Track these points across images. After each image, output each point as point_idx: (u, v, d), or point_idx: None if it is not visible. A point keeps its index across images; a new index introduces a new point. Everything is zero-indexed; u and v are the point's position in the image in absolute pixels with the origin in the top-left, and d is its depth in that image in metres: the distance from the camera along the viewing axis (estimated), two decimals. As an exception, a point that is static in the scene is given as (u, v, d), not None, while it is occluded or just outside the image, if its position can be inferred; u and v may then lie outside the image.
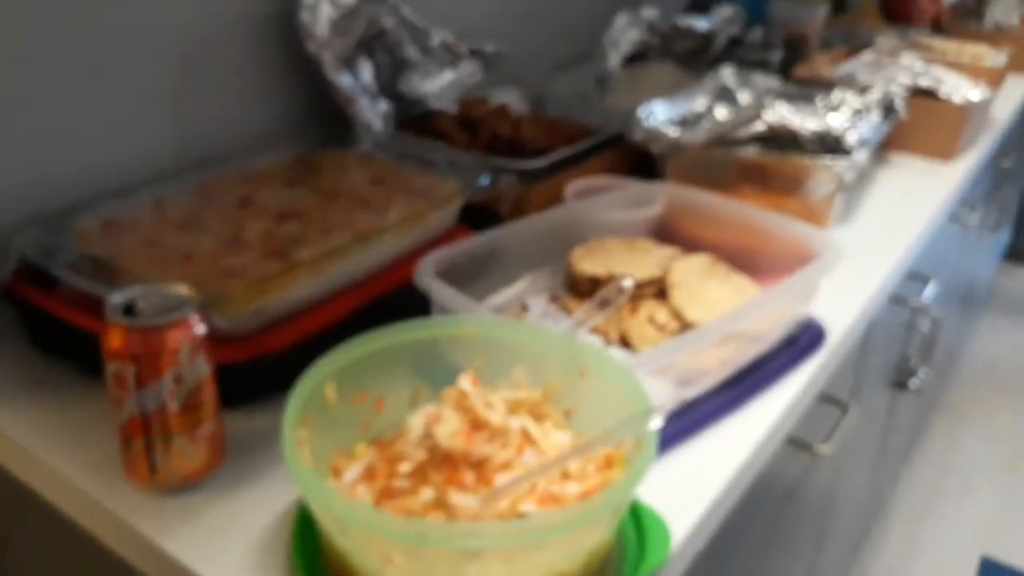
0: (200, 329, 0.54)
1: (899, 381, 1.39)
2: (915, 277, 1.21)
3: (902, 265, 0.98)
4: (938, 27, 1.87)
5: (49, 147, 0.78)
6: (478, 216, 0.87)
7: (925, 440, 2.11)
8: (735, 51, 1.39)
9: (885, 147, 1.23)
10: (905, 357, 1.39)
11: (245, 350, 0.65)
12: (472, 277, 0.77)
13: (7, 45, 0.73)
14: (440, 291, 0.64)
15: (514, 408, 0.55)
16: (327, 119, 1.00)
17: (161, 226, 0.75)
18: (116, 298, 0.53)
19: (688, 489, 0.59)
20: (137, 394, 0.52)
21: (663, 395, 0.63)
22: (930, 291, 1.28)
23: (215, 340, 0.58)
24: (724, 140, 0.98)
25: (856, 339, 0.89)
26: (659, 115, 1.02)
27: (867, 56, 1.39)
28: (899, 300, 1.17)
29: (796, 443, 0.83)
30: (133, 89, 0.84)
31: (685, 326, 0.71)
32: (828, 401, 0.91)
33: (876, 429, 1.42)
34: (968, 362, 2.43)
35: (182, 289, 0.55)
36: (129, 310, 0.53)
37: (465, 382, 0.54)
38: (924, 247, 1.09)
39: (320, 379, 0.51)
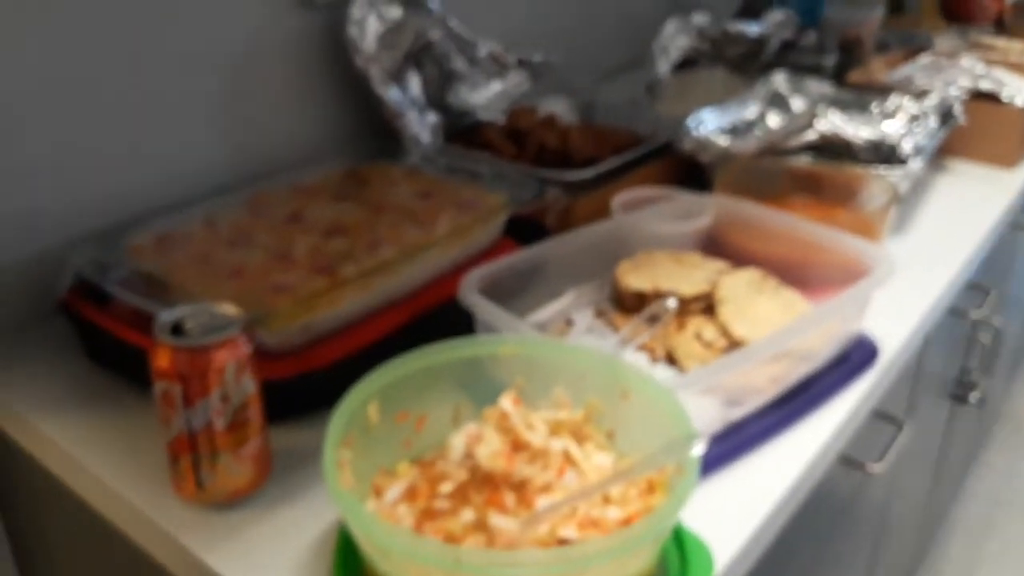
0: (246, 348, 0.55)
1: (959, 395, 1.34)
2: (976, 288, 1.17)
3: (960, 277, 0.95)
4: (1001, 26, 1.81)
5: (106, 165, 0.81)
6: (524, 228, 0.87)
7: (987, 453, 2.04)
8: (788, 56, 1.36)
9: (944, 153, 1.20)
10: (965, 370, 1.34)
11: (292, 366, 0.66)
12: (517, 292, 0.77)
13: (69, 67, 0.76)
14: (483, 308, 0.64)
15: (555, 429, 0.54)
16: (376, 132, 1.01)
17: (212, 241, 0.76)
18: (164, 317, 0.54)
19: (734, 513, 0.58)
20: (184, 413, 0.53)
21: (710, 415, 0.62)
22: (991, 302, 1.24)
23: (262, 356, 0.59)
24: (775, 149, 0.96)
25: (911, 355, 0.86)
26: (709, 124, 1.01)
27: (925, 59, 1.35)
28: (958, 312, 1.13)
29: (848, 462, 0.81)
30: (187, 107, 0.86)
31: (733, 343, 0.69)
32: (882, 418, 0.88)
33: (934, 444, 1.38)
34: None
35: (229, 308, 0.56)
36: (177, 329, 0.54)
37: (506, 402, 0.54)
38: (984, 258, 1.06)
39: (362, 399, 0.51)
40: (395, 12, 0.94)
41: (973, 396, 1.35)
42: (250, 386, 0.55)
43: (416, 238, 0.76)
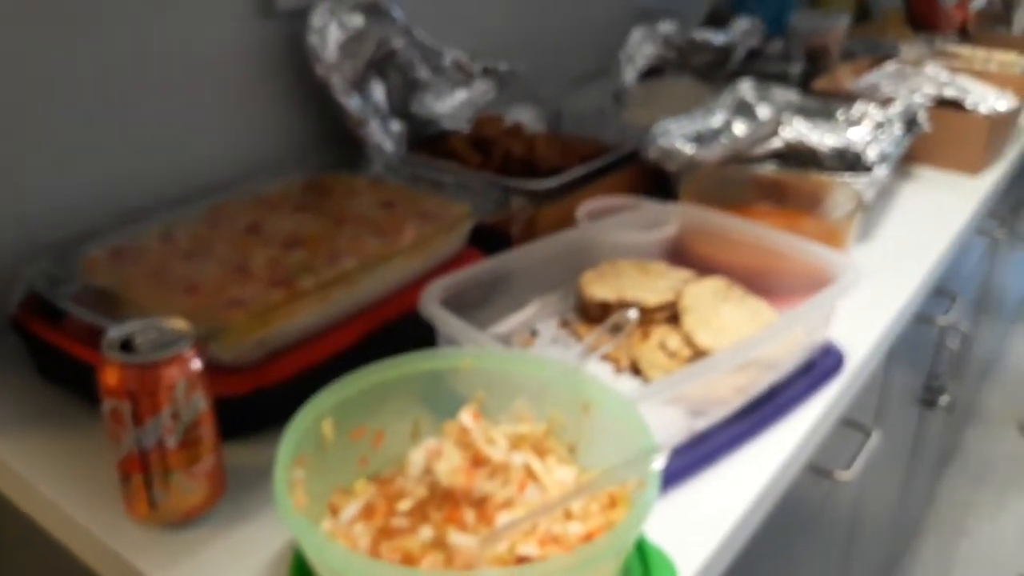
0: (196, 364, 0.53)
1: (928, 399, 1.35)
2: (943, 293, 1.18)
3: (926, 284, 0.95)
4: (965, 34, 1.84)
5: (61, 175, 0.79)
6: (489, 238, 0.86)
7: (958, 456, 2.06)
8: (754, 63, 1.37)
9: (910, 160, 1.21)
10: (934, 375, 1.35)
11: (248, 381, 0.64)
12: (480, 302, 0.76)
13: (14, 75, 0.74)
14: (444, 320, 0.63)
15: (517, 443, 0.53)
16: (340, 141, 0.99)
17: (168, 255, 0.74)
18: (112, 334, 0.52)
19: (699, 525, 0.57)
20: (134, 431, 0.51)
21: (674, 426, 0.61)
22: (958, 308, 1.25)
23: (217, 371, 0.58)
24: (741, 157, 0.96)
25: (878, 362, 0.86)
26: (674, 132, 1.00)
27: (890, 66, 1.36)
28: (926, 318, 1.14)
29: (817, 470, 0.81)
30: (145, 117, 0.84)
31: (698, 353, 0.69)
32: (850, 425, 0.88)
33: (905, 449, 1.38)
34: (1003, 373, 2.37)
35: (179, 323, 0.54)
36: (126, 345, 0.52)
37: (466, 416, 0.53)
38: (949, 264, 1.06)
39: (315, 416, 0.50)
40: (357, 20, 0.93)
41: (942, 401, 1.36)
42: (201, 403, 0.53)
43: (377, 250, 0.75)
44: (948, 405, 1.37)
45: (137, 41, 0.81)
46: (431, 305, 0.64)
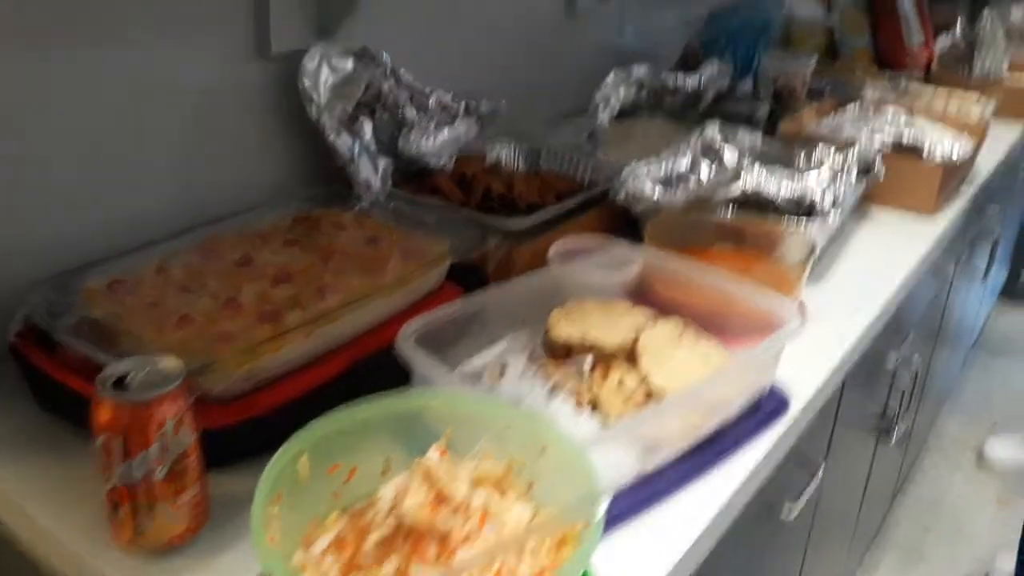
0: (186, 401, 0.58)
1: (882, 432, 1.41)
2: (896, 331, 1.24)
3: (876, 323, 1.01)
4: (930, 74, 1.91)
5: (62, 207, 0.83)
6: (467, 274, 0.91)
7: (914, 484, 2.12)
8: (725, 104, 1.43)
9: (868, 201, 1.27)
10: (888, 408, 1.41)
11: (236, 412, 0.69)
12: (455, 339, 0.81)
13: (23, 106, 0.78)
14: (418, 360, 0.68)
15: (479, 481, 0.58)
16: (330, 177, 1.04)
17: (163, 287, 0.79)
18: (107, 372, 0.57)
19: (647, 562, 0.62)
20: (124, 464, 0.56)
21: (625, 467, 0.66)
22: (911, 343, 1.31)
23: (206, 403, 0.62)
24: (704, 201, 1.02)
25: (827, 400, 0.92)
26: (643, 175, 1.06)
27: (853, 109, 1.43)
28: (878, 355, 1.20)
29: (767, 504, 0.86)
30: (144, 151, 0.88)
31: (652, 394, 0.74)
32: (800, 461, 0.94)
33: (860, 479, 1.44)
34: (960, 401, 2.44)
35: (171, 361, 0.59)
36: (120, 382, 0.57)
37: (433, 454, 0.58)
38: (903, 302, 1.12)
39: (292, 456, 0.55)
40: (347, 64, 0.98)
41: (896, 433, 1.42)
42: (189, 437, 0.58)
43: (360, 286, 0.80)
44: (901, 438, 1.43)
45: (135, 80, 0.86)
46: (406, 345, 0.69)
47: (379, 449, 0.61)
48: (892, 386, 1.38)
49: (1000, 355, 2.68)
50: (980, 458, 2.22)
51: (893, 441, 1.40)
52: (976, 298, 2.22)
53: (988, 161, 1.55)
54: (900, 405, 1.40)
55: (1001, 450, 2.20)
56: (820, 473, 0.94)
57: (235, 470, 0.67)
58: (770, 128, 1.36)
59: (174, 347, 0.68)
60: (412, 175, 1.11)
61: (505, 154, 1.27)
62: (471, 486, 0.57)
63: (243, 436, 0.69)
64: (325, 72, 0.96)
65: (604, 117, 1.18)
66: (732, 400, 0.76)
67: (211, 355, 0.68)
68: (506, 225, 0.97)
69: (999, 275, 2.65)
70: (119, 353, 0.63)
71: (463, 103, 1.13)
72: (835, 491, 1.25)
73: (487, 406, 0.62)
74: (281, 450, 0.55)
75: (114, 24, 0.83)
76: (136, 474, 0.56)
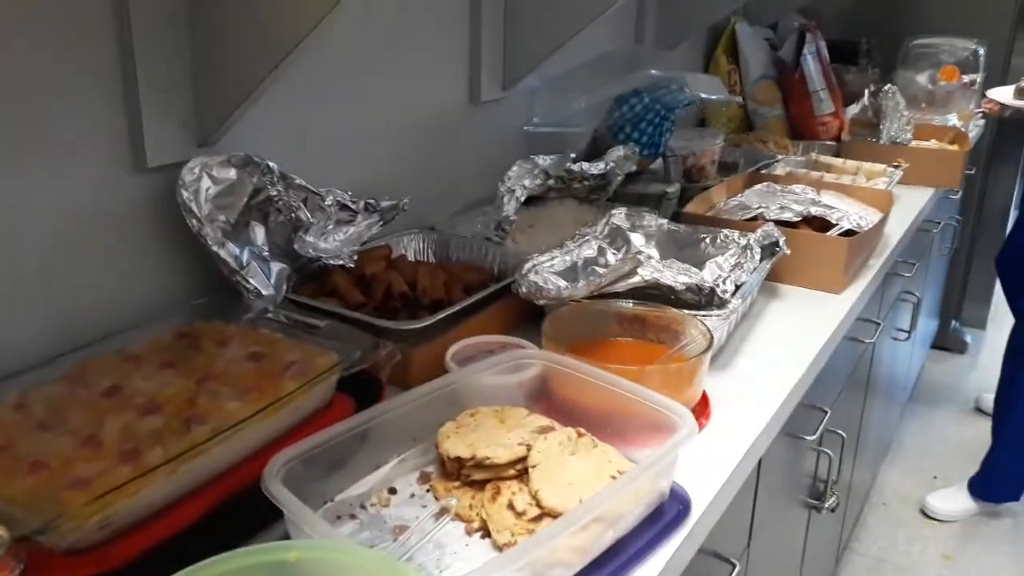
0: (17, 569, 0.53)
1: (813, 502, 1.40)
2: (819, 399, 1.24)
3: (789, 402, 1.00)
4: (841, 141, 1.96)
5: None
6: (360, 384, 0.88)
7: (859, 543, 2.11)
8: (636, 184, 1.43)
9: (776, 279, 1.27)
10: (817, 479, 1.40)
11: (88, 566, 0.64)
12: (341, 460, 0.78)
13: None
14: (284, 499, 0.64)
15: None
16: (218, 288, 1.00)
17: (21, 425, 0.74)
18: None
19: None
20: (-57, 650, 0.51)
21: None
22: (836, 408, 1.30)
23: (56, 557, 0.57)
24: (605, 292, 1.00)
25: (738, 489, 0.89)
26: (546, 268, 1.05)
27: (760, 185, 1.45)
28: (799, 427, 1.19)
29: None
30: (8, 272, 0.84)
31: (544, 513, 0.71)
32: (715, 560, 0.91)
33: (794, 552, 1.42)
34: (900, 455, 2.45)
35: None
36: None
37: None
38: (819, 375, 1.12)
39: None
40: (229, 173, 0.95)
41: (829, 502, 1.40)
42: (22, 609, 0.53)
43: (237, 410, 0.76)
44: (834, 506, 1.42)
45: (3, 193, 0.82)
46: (272, 483, 0.65)
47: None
48: (819, 454, 1.36)
49: (936, 406, 2.71)
50: (923, 513, 2.21)
51: (826, 507, 1.38)
52: (905, 355, 2.25)
53: (900, 226, 1.58)
54: (829, 471, 1.38)
55: (941, 503, 2.20)
56: (738, 567, 0.91)
57: (90, 631, 0.63)
58: (682, 206, 1.36)
59: (19, 497, 0.64)
60: (311, 275, 1.08)
61: (414, 247, 1.25)
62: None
63: (98, 591, 0.64)
64: (206, 183, 0.93)
65: (510, 208, 1.17)
66: (629, 511, 0.73)
67: (59, 506, 0.63)
68: (401, 328, 0.94)
69: (929, 327, 2.70)
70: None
71: (362, 202, 1.11)
72: (768, 572, 1.22)
73: (347, 555, 0.59)
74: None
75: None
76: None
